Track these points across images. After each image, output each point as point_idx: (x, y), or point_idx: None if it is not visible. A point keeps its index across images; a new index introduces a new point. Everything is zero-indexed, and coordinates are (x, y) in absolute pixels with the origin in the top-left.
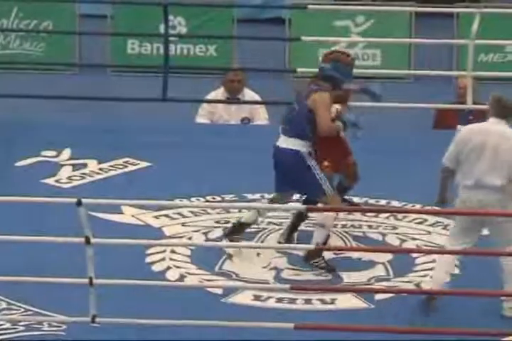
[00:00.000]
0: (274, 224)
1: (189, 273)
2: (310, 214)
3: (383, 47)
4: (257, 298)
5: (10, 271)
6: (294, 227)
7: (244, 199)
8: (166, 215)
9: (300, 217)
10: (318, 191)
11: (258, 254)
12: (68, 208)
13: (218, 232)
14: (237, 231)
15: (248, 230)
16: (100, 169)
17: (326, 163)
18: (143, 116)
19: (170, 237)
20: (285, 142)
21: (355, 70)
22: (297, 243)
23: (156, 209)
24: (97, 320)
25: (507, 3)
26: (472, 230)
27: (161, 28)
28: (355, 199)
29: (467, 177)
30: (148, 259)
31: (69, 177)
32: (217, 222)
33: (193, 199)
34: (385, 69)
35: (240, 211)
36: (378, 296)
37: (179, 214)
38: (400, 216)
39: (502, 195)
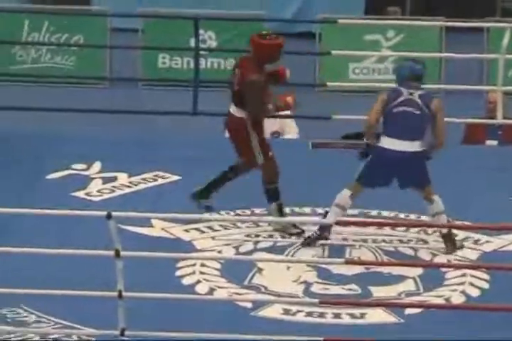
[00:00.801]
0: (304, 238)
1: (219, 287)
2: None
3: None
4: (286, 311)
5: (39, 284)
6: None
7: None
8: (196, 229)
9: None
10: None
11: (288, 268)
12: (98, 221)
13: (248, 246)
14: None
15: (280, 244)
16: (130, 182)
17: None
18: (173, 130)
19: (200, 251)
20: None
21: (386, 84)
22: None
23: (186, 222)
24: (126, 333)
25: None
26: None
27: (192, 42)
28: (385, 214)
29: None
30: (178, 272)
31: (99, 191)
32: (248, 236)
33: (222, 212)
34: None
35: (269, 225)
36: (408, 311)
37: (209, 227)
38: (430, 230)
39: None
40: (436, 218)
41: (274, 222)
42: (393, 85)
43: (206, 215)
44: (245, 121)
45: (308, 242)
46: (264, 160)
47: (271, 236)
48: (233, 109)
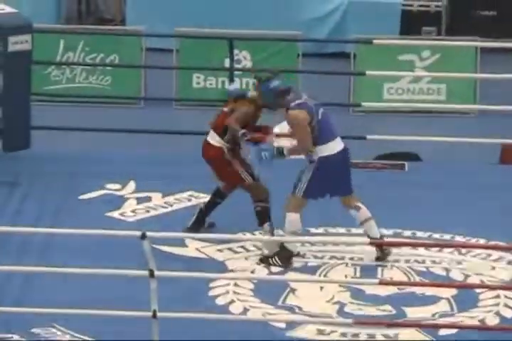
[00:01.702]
0: (337, 258)
1: (252, 307)
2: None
3: (448, 81)
4: (320, 332)
5: (74, 304)
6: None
7: (307, 233)
8: (230, 248)
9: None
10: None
11: (321, 288)
12: (133, 241)
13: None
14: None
15: (312, 264)
16: (165, 202)
17: None
18: None
19: (232, 271)
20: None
21: (421, 104)
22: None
23: (220, 242)
24: None
25: None
26: None
27: (226, 62)
28: (419, 234)
29: None
30: (211, 292)
31: (133, 211)
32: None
33: (256, 232)
34: (450, 103)
35: (302, 244)
36: (442, 332)
37: (242, 247)
38: (463, 251)
39: None
40: (366, 224)
41: (308, 243)
42: (426, 105)
43: (239, 235)
44: (223, 150)
45: (268, 263)
46: (251, 179)
47: (303, 256)
48: (211, 138)
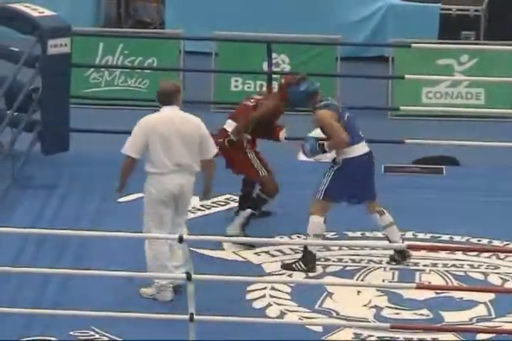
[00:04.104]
0: (374, 262)
1: (289, 311)
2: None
3: (487, 86)
4: (357, 336)
5: (111, 307)
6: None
7: (344, 237)
8: (267, 252)
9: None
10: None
11: (358, 292)
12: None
13: (319, 269)
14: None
15: (349, 268)
16: (202, 205)
17: None
18: None
19: (270, 274)
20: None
21: (459, 109)
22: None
23: (257, 245)
24: None
25: None
26: (167, 203)
27: (265, 66)
28: (457, 238)
29: (165, 165)
30: (248, 296)
31: None
32: (317, 260)
33: (293, 236)
34: (488, 108)
35: (340, 248)
36: (480, 336)
37: (279, 251)
38: (501, 255)
39: (195, 176)
40: (389, 229)
41: (347, 247)
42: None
43: (276, 239)
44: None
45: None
46: (266, 172)
47: (340, 260)
48: (229, 126)
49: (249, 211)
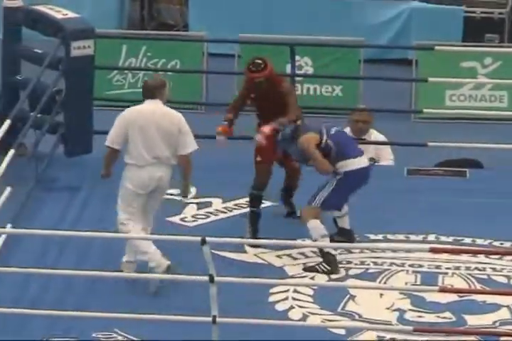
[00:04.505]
0: (397, 265)
1: (312, 313)
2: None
3: (511, 88)
4: (380, 338)
5: (134, 309)
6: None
7: (366, 240)
8: (289, 255)
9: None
10: None
11: (381, 295)
12: (193, 246)
13: (341, 272)
14: None
15: (372, 270)
16: (225, 208)
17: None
18: None
19: (292, 277)
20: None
21: (483, 111)
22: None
23: (279, 248)
24: None
25: None
26: (142, 196)
27: (288, 68)
28: (480, 241)
29: (143, 157)
30: (271, 298)
31: (194, 216)
32: (339, 262)
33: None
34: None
35: (362, 251)
36: (502, 339)
37: (302, 254)
38: None
39: (172, 170)
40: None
41: (368, 249)
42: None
43: (299, 241)
44: None
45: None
46: (261, 159)
47: (363, 262)
48: None
49: (248, 212)
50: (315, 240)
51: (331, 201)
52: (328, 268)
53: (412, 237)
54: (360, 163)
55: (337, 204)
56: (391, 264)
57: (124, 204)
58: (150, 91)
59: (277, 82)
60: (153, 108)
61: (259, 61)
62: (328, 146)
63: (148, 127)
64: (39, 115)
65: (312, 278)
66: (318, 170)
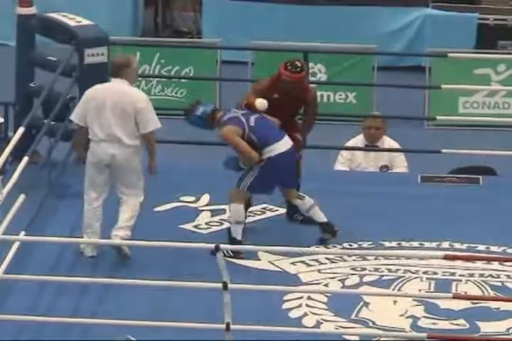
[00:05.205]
0: (411, 272)
1: (325, 320)
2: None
3: None
4: None
5: (147, 316)
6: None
7: (381, 247)
8: (303, 262)
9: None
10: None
11: (395, 302)
12: (206, 254)
13: (354, 279)
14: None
15: (386, 278)
16: None
17: None
18: None
19: (306, 284)
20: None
21: (496, 118)
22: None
23: (293, 255)
24: None
25: None
26: (103, 172)
27: None
28: (494, 248)
29: (96, 133)
30: (285, 305)
31: (207, 223)
32: (354, 269)
33: (329, 246)
34: None
35: (376, 258)
36: None
37: (316, 260)
38: None
39: (132, 149)
40: (312, 211)
41: (383, 256)
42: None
43: (312, 248)
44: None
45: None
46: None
47: (377, 269)
48: None
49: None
50: (230, 223)
51: (256, 187)
52: (231, 253)
53: (426, 244)
54: (282, 146)
55: (263, 189)
56: (405, 271)
57: (87, 172)
58: (114, 70)
59: (305, 88)
60: (114, 86)
61: (299, 63)
62: (249, 136)
63: (104, 105)
64: (53, 122)
65: (326, 285)
66: (245, 159)
